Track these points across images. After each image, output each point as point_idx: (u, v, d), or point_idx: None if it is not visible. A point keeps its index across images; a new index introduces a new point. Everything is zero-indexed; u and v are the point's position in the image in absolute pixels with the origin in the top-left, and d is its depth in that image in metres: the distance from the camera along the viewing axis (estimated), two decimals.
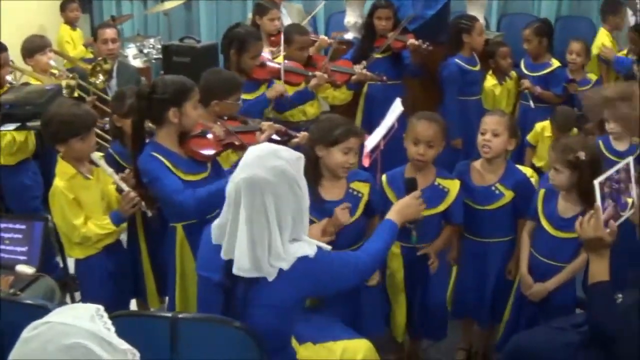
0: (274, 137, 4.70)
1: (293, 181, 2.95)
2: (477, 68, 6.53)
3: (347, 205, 3.93)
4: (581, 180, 3.90)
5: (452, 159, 4.78)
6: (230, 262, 2.99)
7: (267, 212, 2.91)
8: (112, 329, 2.17)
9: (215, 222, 3.12)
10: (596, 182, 3.14)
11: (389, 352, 4.57)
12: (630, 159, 3.36)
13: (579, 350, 3.47)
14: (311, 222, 3.98)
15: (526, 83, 6.60)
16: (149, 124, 4.11)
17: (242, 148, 4.11)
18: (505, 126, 4.31)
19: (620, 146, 5.09)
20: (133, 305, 4.80)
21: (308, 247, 3.01)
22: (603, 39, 7.50)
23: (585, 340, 3.45)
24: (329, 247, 3.16)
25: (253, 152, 3.04)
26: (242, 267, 2.95)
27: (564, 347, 3.52)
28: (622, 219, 3.28)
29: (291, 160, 3.00)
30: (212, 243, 3.12)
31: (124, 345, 2.16)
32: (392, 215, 3.63)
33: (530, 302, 4.16)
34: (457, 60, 6.37)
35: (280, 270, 2.94)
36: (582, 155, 3.91)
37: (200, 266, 3.24)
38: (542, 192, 4.22)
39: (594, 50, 7.29)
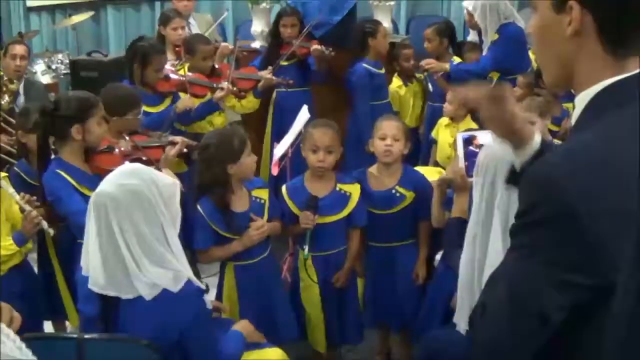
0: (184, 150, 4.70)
1: (148, 203, 2.90)
2: (383, 71, 6.58)
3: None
4: None
5: (366, 164, 4.79)
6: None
7: (112, 229, 2.87)
8: None
9: None
10: (459, 135, 3.73)
11: None
12: None
13: None
14: (225, 238, 4.07)
15: (425, 61, 6.63)
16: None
17: (149, 163, 4.09)
18: (403, 131, 4.41)
19: None
20: (49, 327, 4.71)
21: (173, 278, 2.93)
22: None
23: None
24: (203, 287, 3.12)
25: (117, 169, 3.03)
26: (97, 282, 2.94)
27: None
28: None
29: (153, 183, 2.94)
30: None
31: None
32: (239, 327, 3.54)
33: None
34: (364, 64, 6.41)
35: (141, 301, 2.90)
36: None
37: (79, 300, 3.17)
38: None
39: None
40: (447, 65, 6.56)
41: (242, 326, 3.58)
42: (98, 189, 2.95)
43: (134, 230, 2.88)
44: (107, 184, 2.94)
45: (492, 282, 1.78)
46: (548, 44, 1.79)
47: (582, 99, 1.72)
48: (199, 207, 4.06)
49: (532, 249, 1.64)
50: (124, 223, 2.87)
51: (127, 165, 3.11)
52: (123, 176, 2.95)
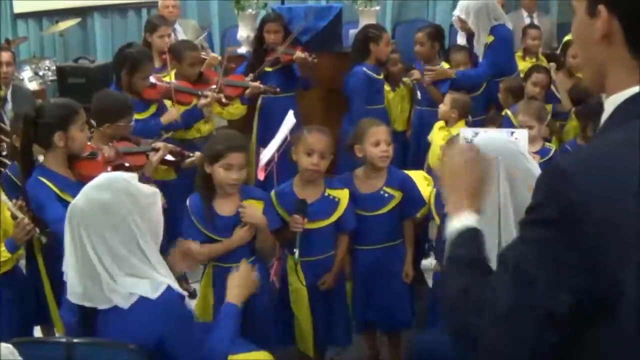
0: (168, 157, 4.72)
1: (119, 217, 2.88)
2: (382, 77, 6.64)
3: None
4: None
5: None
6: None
7: (83, 242, 2.87)
8: None
9: None
10: (462, 130, 3.49)
11: None
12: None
13: None
14: (206, 237, 4.06)
15: (416, 74, 6.68)
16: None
17: (131, 170, 4.12)
18: (391, 134, 4.47)
19: (532, 148, 4.99)
20: (38, 332, 4.70)
21: (149, 286, 2.91)
22: None
23: None
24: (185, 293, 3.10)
25: (94, 180, 3.02)
26: (74, 293, 2.94)
27: None
28: None
29: (127, 194, 2.92)
30: None
31: None
32: (232, 298, 3.46)
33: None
34: (364, 68, 6.45)
35: (119, 309, 2.90)
36: None
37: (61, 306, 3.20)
38: (434, 191, 4.36)
39: None
40: (451, 72, 6.56)
41: (232, 282, 3.52)
42: (73, 201, 2.96)
43: (105, 244, 2.87)
44: (80, 196, 2.95)
45: (501, 265, 1.78)
46: (582, 47, 1.82)
47: (610, 102, 1.74)
48: (187, 200, 4.11)
49: (535, 246, 1.67)
50: (94, 237, 2.87)
51: (103, 176, 3.07)
52: (95, 189, 2.95)
